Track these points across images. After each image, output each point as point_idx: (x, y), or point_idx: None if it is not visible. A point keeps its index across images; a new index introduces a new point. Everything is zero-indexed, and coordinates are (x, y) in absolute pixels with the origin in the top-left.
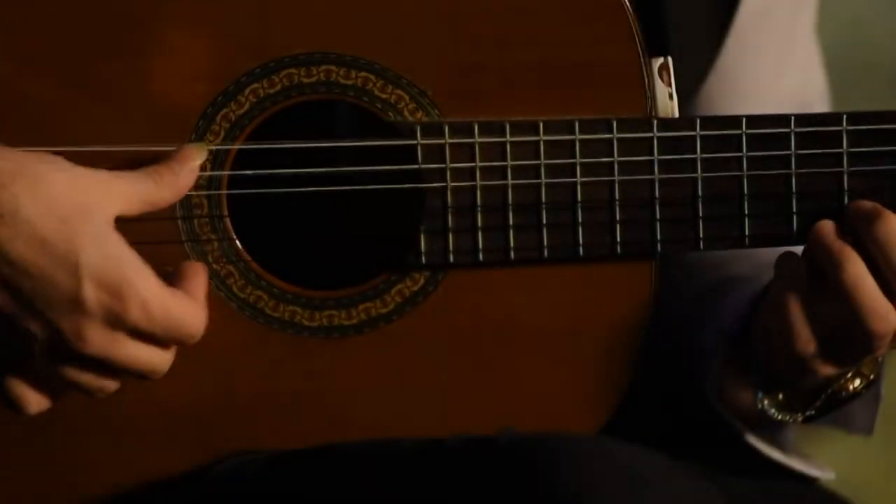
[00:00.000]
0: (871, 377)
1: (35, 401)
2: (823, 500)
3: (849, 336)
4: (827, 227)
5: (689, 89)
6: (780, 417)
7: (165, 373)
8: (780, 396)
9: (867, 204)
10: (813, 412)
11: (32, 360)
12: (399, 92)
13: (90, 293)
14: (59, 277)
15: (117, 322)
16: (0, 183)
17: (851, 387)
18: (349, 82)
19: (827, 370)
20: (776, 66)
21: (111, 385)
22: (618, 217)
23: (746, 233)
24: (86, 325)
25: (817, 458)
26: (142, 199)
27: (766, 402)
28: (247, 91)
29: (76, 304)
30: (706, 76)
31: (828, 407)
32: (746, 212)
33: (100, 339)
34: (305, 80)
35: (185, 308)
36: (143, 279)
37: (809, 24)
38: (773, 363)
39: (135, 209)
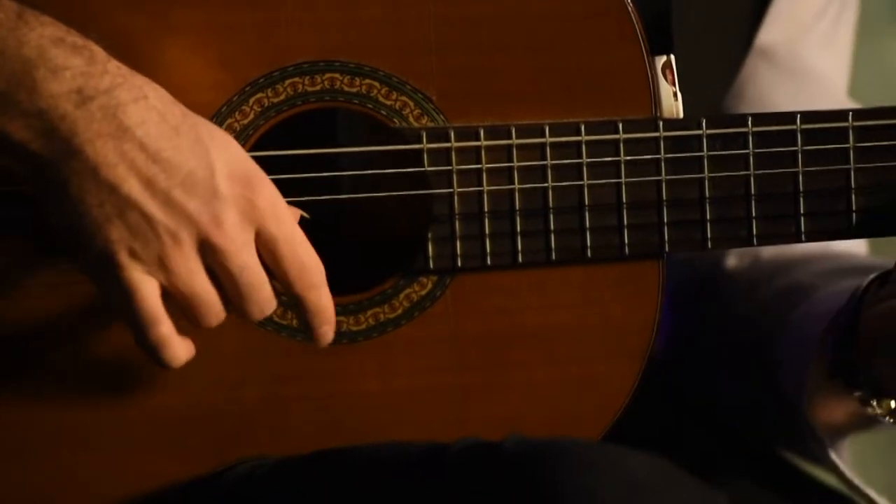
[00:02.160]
0: None
1: (182, 346)
2: (829, 500)
3: None
4: None
5: (704, 101)
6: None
7: (266, 310)
8: (894, 404)
9: None
10: None
11: (164, 262)
12: (403, 98)
13: (223, 181)
14: (193, 164)
15: (249, 214)
16: (122, 73)
17: None
18: (353, 90)
19: None
20: (813, 91)
21: (222, 310)
22: (625, 218)
23: (754, 232)
24: (222, 212)
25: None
26: None
27: (879, 409)
28: (251, 101)
29: (212, 190)
30: (725, 92)
31: None
32: (754, 211)
33: (233, 229)
34: (310, 89)
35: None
36: (270, 184)
37: (847, 49)
38: (889, 365)
39: None
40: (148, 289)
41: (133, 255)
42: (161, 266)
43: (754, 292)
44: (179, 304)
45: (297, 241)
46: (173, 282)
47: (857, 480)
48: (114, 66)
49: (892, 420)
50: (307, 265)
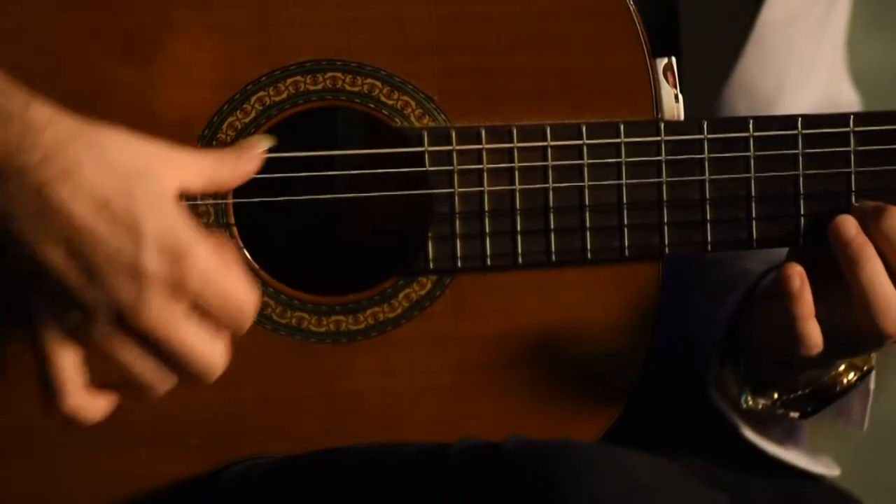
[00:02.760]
0: (865, 369)
1: (94, 409)
2: (830, 497)
3: (854, 335)
4: (849, 222)
5: (707, 96)
6: (777, 413)
7: (215, 378)
8: (775, 395)
9: (870, 202)
10: (810, 409)
11: (88, 339)
12: (405, 98)
13: (151, 258)
14: (121, 241)
15: (177, 290)
16: (60, 141)
17: (845, 379)
18: (355, 89)
19: (823, 367)
20: (799, 78)
21: (164, 379)
22: (625, 220)
23: (754, 235)
24: (146, 292)
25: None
26: (203, 172)
27: (753, 401)
28: (253, 99)
29: (137, 269)
30: (725, 82)
31: (823, 402)
32: (754, 213)
33: (159, 309)
34: (311, 88)
35: (242, 284)
36: (204, 248)
37: (839, 39)
38: (767, 363)
39: (196, 183)
40: (62, 360)
41: (51, 324)
42: (82, 336)
43: (710, 275)
44: (114, 369)
45: (230, 300)
46: (99, 349)
47: (772, 449)
48: (49, 137)
49: (778, 410)
50: (244, 315)
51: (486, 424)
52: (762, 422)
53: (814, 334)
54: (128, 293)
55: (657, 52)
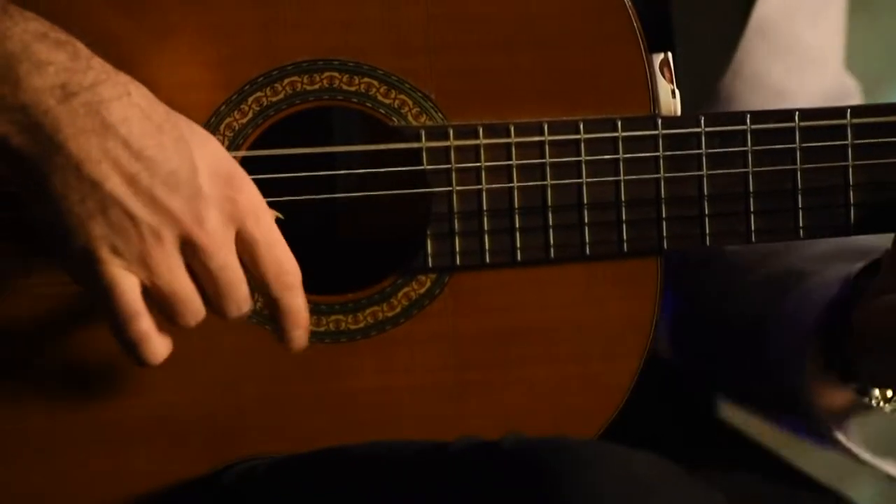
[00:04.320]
0: None
1: (161, 342)
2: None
3: None
4: None
5: (706, 86)
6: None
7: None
8: (890, 393)
9: None
10: None
11: (145, 259)
12: (402, 97)
13: (206, 180)
14: (176, 162)
15: (231, 211)
16: (107, 69)
17: None
18: (352, 88)
19: None
20: (805, 64)
21: (202, 308)
22: (624, 216)
23: (752, 228)
24: (205, 209)
25: None
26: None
27: (877, 400)
28: (250, 100)
29: (195, 189)
30: (724, 72)
31: None
32: (752, 208)
33: (215, 227)
34: (309, 88)
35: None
36: (250, 182)
37: (840, 23)
38: (884, 353)
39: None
40: (127, 284)
41: (114, 251)
42: (142, 263)
43: (747, 275)
44: (159, 303)
45: (275, 243)
46: (154, 279)
47: (867, 456)
48: (97, 62)
49: (891, 410)
50: (285, 266)
51: (485, 423)
52: (846, 429)
53: None
54: (188, 212)
55: (652, 47)
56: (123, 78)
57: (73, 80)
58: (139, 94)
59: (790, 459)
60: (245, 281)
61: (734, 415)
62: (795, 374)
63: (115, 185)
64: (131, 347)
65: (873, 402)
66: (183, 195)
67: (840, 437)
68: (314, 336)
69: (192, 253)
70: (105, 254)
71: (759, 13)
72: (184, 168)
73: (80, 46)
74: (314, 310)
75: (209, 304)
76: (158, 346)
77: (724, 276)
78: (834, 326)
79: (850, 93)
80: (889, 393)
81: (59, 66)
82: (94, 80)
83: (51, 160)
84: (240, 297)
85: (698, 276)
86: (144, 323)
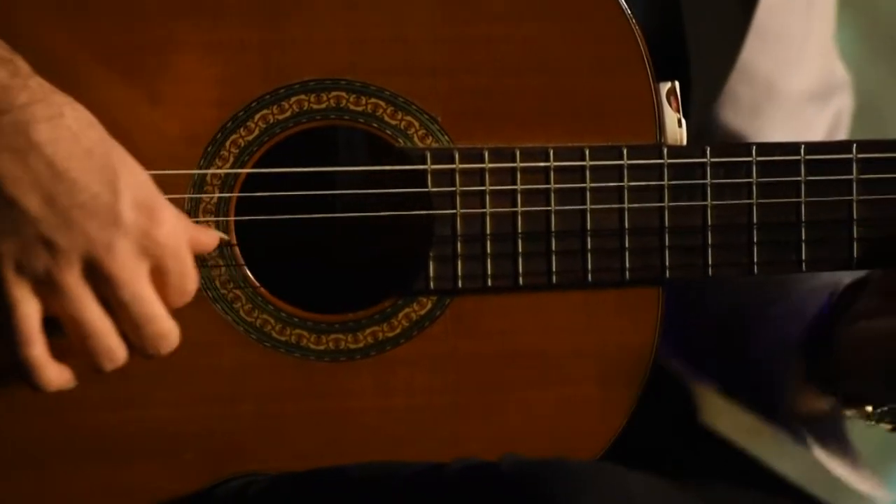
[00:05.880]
0: None
1: (54, 370)
2: None
3: None
4: None
5: (713, 88)
6: (872, 424)
7: (168, 351)
8: (869, 409)
9: None
10: None
11: (53, 294)
12: (409, 118)
13: (127, 209)
14: (98, 188)
15: (146, 245)
16: (45, 90)
17: None
18: (359, 108)
19: None
20: (796, 56)
21: (119, 345)
22: (627, 244)
23: (755, 260)
24: (118, 239)
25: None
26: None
27: (850, 413)
28: (256, 117)
29: (112, 217)
30: (729, 74)
31: None
32: (756, 239)
33: (128, 258)
34: (315, 107)
35: (192, 260)
36: (171, 212)
37: (829, 13)
38: (865, 376)
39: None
40: (27, 307)
41: (20, 270)
42: (48, 285)
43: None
44: (71, 335)
45: (187, 276)
46: (60, 303)
47: (839, 472)
48: (35, 82)
49: (870, 422)
50: (189, 295)
51: (483, 444)
52: (822, 437)
53: None
54: (101, 238)
55: (660, 74)
56: (60, 99)
57: (5, 99)
58: (73, 117)
59: (771, 464)
60: (162, 317)
61: (716, 419)
62: (775, 383)
63: (31, 203)
64: (23, 371)
65: (851, 415)
66: (99, 221)
67: (816, 451)
68: (314, 354)
69: (102, 283)
70: (10, 273)
71: (760, 12)
72: (105, 194)
73: (22, 65)
74: (314, 328)
75: (130, 345)
76: (51, 374)
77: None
78: (816, 342)
79: (838, 85)
80: (869, 408)
81: None
82: (27, 99)
83: None
84: (155, 332)
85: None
86: (36, 349)
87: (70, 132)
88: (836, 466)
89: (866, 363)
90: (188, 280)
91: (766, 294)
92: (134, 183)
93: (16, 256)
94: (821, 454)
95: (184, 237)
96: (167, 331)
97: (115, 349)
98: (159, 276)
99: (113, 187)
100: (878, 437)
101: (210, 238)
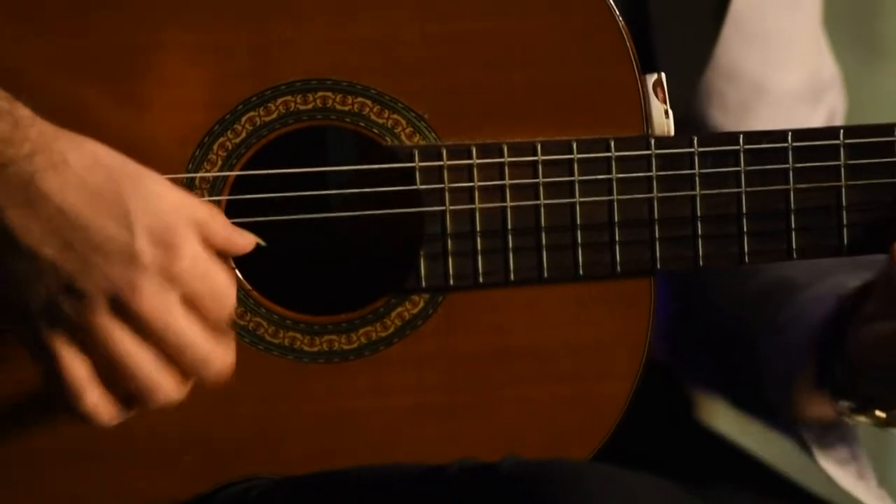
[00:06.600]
0: None
1: (105, 406)
2: None
3: None
4: None
5: (686, 81)
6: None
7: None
8: (883, 414)
9: None
10: None
11: (88, 339)
12: (396, 116)
13: (143, 245)
14: (112, 229)
15: (170, 278)
16: (47, 137)
17: None
18: (346, 108)
19: None
20: (781, 54)
21: (167, 377)
22: (617, 236)
23: (745, 249)
24: (140, 278)
25: None
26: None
27: (862, 419)
28: (243, 119)
29: (130, 255)
30: (705, 67)
31: None
32: (745, 228)
33: (154, 294)
34: (302, 107)
35: (226, 275)
36: (192, 241)
37: (815, 11)
38: (882, 376)
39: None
40: (69, 358)
41: (51, 322)
42: (81, 330)
43: (741, 277)
44: (115, 380)
45: (219, 293)
46: (96, 346)
47: (844, 484)
48: (36, 131)
49: (879, 426)
50: (230, 303)
51: (479, 443)
52: (829, 446)
53: None
54: (123, 279)
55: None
56: (63, 145)
57: (7, 152)
58: (77, 161)
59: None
60: (200, 341)
61: (712, 416)
62: (782, 389)
63: (49, 252)
64: (84, 419)
65: (860, 420)
66: (119, 262)
67: (822, 461)
68: (307, 356)
69: (133, 321)
70: (43, 327)
71: (736, 5)
72: (121, 234)
73: (22, 115)
74: (307, 330)
75: (180, 375)
76: (109, 414)
77: (719, 277)
78: (828, 346)
79: (829, 84)
80: (878, 413)
81: None
82: (30, 150)
83: None
84: (196, 358)
85: (693, 275)
86: (90, 399)
87: (76, 177)
88: (842, 477)
89: (884, 364)
90: (222, 296)
91: (772, 302)
92: (147, 214)
93: (44, 309)
94: (827, 464)
95: (204, 256)
96: (205, 355)
97: (161, 384)
98: (192, 300)
99: (127, 225)
100: (878, 438)
101: (246, 241)
